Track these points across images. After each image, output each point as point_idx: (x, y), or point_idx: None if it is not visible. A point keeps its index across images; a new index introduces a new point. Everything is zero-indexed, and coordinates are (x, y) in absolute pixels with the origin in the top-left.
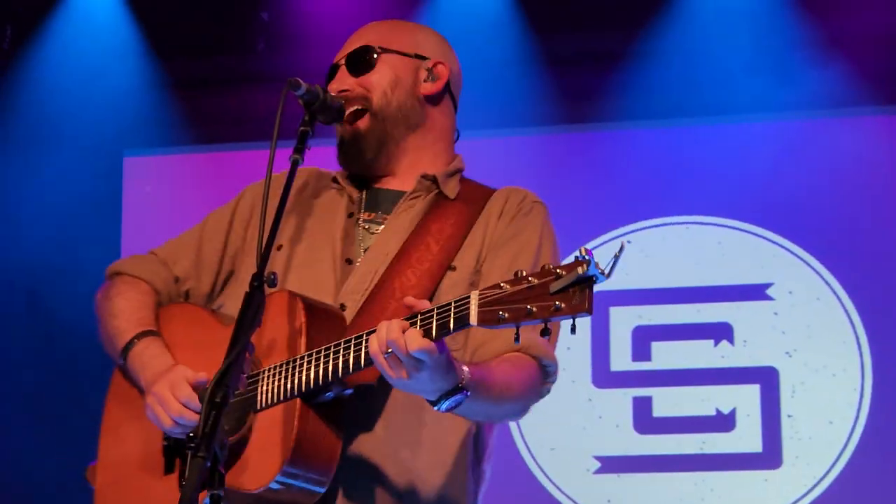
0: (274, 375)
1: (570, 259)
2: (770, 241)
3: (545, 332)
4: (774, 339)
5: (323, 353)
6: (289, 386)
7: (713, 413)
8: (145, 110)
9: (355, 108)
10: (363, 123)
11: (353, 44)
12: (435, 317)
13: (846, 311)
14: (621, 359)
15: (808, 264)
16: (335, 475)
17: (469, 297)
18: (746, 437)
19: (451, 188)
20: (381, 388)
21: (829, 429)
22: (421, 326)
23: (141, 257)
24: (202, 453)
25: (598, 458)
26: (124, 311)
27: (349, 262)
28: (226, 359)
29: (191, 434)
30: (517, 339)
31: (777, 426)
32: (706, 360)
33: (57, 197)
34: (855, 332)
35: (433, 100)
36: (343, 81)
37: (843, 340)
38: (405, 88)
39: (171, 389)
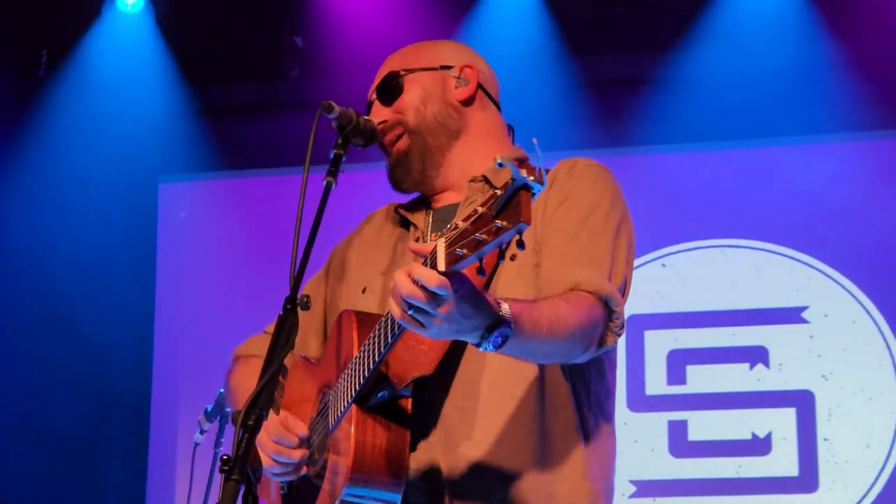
0: (337, 392)
1: None
2: (805, 264)
3: (520, 244)
4: (810, 363)
5: (362, 352)
6: (345, 396)
7: (749, 437)
8: (180, 137)
9: (395, 133)
10: (403, 143)
11: (379, 75)
12: (428, 263)
13: (882, 333)
14: (656, 382)
15: (844, 287)
16: (409, 479)
17: (436, 243)
18: (782, 461)
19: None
20: (444, 379)
21: (866, 452)
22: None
23: (254, 337)
24: (236, 476)
25: (634, 483)
26: (238, 386)
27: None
28: (259, 381)
29: (224, 457)
30: (480, 271)
31: (813, 450)
32: (742, 384)
33: (92, 223)
34: (891, 355)
35: (468, 103)
36: (378, 114)
37: (879, 363)
38: (437, 99)
39: (266, 431)
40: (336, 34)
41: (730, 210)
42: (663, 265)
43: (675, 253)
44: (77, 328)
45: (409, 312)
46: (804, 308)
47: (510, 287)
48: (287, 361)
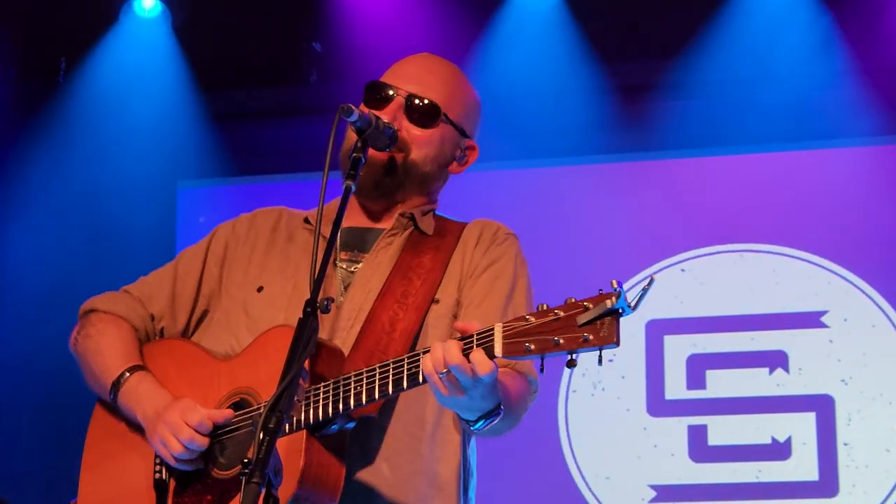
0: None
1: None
2: (825, 269)
3: (571, 364)
4: (830, 367)
5: (332, 386)
6: (296, 419)
7: (769, 441)
8: (199, 142)
9: (399, 150)
10: (399, 160)
11: (419, 81)
12: (475, 343)
13: None
14: (676, 387)
15: (863, 291)
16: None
17: (493, 329)
18: (802, 466)
19: (427, 224)
20: (380, 421)
21: (886, 457)
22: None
23: (115, 294)
24: (256, 479)
25: (654, 487)
26: (109, 346)
27: (331, 300)
28: (279, 384)
29: (245, 460)
30: (542, 370)
31: (833, 454)
32: (761, 389)
33: (112, 228)
34: None
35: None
36: (394, 118)
37: None
38: (441, 164)
39: (183, 416)
40: (355, 39)
41: (749, 215)
42: (683, 270)
43: (694, 258)
44: None
45: (443, 377)
46: (824, 312)
47: (435, 328)
48: (148, 329)
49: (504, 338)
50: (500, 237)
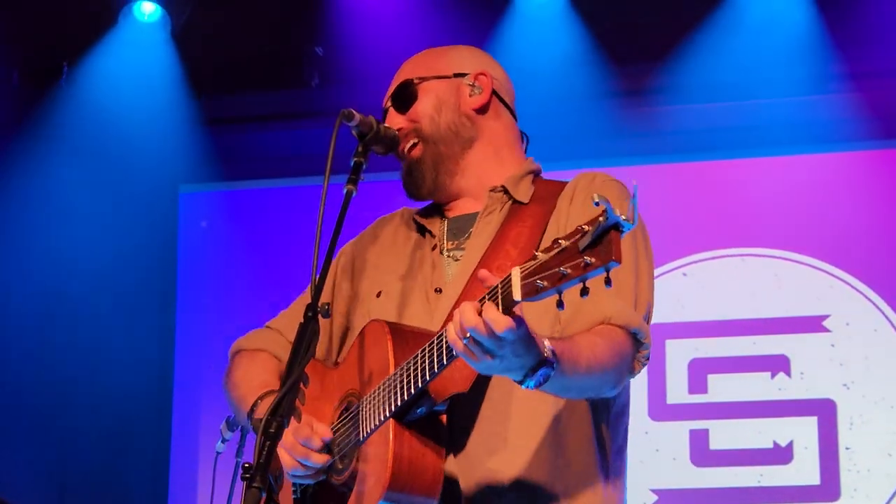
0: (369, 403)
1: None
2: (826, 273)
3: (584, 292)
4: (832, 371)
5: (405, 367)
6: (381, 409)
7: (770, 445)
8: (201, 146)
9: (411, 141)
10: (417, 151)
11: (394, 83)
12: (500, 292)
13: None
14: (678, 391)
15: (865, 295)
16: (444, 493)
17: (510, 273)
18: (804, 470)
19: (524, 192)
20: (475, 396)
21: (888, 461)
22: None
23: (257, 331)
24: (257, 484)
25: (656, 492)
26: (245, 380)
27: (438, 291)
28: (280, 389)
29: (246, 465)
30: (559, 304)
31: (835, 458)
32: (763, 393)
33: (113, 232)
34: None
35: (482, 111)
36: (393, 122)
37: None
38: (451, 107)
39: (295, 434)
40: (356, 43)
41: (751, 219)
42: (684, 274)
43: (696, 262)
44: (99, 337)
45: (467, 343)
46: (825, 317)
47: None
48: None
49: (521, 279)
50: (597, 184)
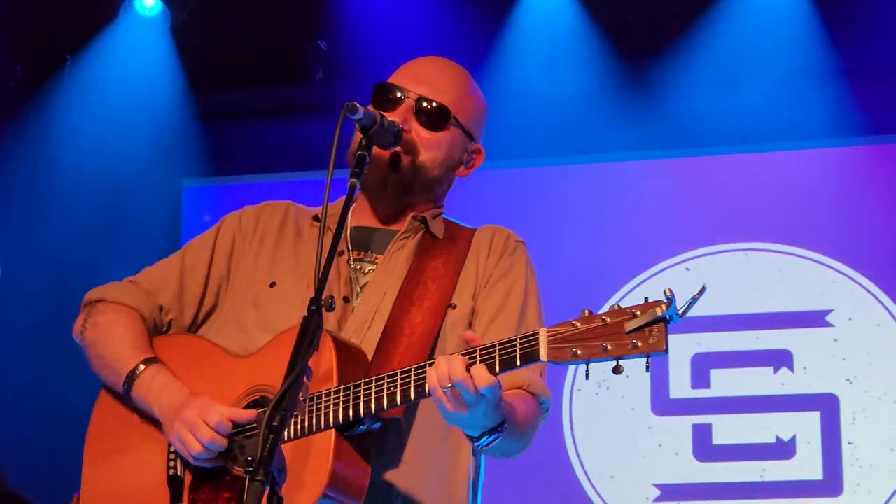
0: (304, 407)
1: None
2: (830, 268)
3: (617, 371)
4: (835, 366)
5: (363, 387)
6: (324, 418)
7: (773, 440)
8: (204, 140)
9: (407, 153)
10: (406, 162)
11: (429, 84)
12: (498, 353)
13: None
14: (681, 386)
15: (868, 290)
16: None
17: (537, 333)
18: (807, 465)
19: (438, 228)
20: (405, 421)
21: (891, 456)
22: (482, 362)
23: (122, 284)
24: (260, 477)
25: (658, 486)
26: (121, 337)
27: (346, 300)
28: (283, 383)
29: (249, 458)
30: (587, 376)
31: (838, 453)
32: (766, 388)
33: (116, 225)
34: None
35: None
36: (404, 119)
37: None
38: (449, 167)
39: (202, 415)
40: (360, 38)
41: (754, 214)
42: (687, 269)
43: (699, 257)
44: None
45: (445, 390)
46: (828, 311)
47: (453, 333)
48: (156, 320)
49: (548, 342)
50: (510, 246)
